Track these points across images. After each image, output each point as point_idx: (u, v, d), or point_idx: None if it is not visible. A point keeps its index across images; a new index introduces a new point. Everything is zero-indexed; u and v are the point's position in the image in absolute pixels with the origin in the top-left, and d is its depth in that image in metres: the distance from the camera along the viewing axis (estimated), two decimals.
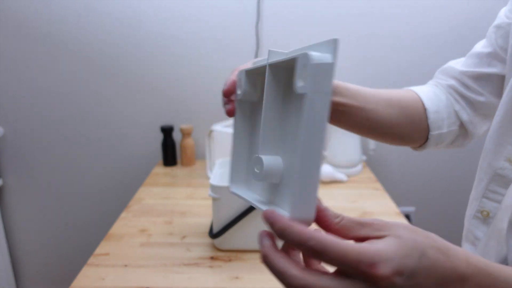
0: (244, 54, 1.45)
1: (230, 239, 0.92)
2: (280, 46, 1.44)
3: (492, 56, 0.56)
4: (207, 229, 1.02)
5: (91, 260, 0.89)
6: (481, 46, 0.59)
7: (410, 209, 1.62)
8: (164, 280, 0.82)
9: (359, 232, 0.32)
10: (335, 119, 0.54)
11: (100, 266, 0.87)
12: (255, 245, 0.92)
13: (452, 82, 0.60)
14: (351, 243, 0.30)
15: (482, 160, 0.54)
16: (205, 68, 1.47)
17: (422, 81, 0.68)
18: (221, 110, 1.51)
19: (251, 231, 0.91)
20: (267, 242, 0.33)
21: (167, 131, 1.46)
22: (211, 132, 1.30)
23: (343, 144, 1.40)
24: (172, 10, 1.40)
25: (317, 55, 0.32)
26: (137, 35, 1.43)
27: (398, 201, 1.52)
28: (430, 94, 0.60)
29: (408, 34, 1.41)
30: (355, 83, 0.55)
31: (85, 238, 1.68)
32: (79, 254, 1.70)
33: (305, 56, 0.32)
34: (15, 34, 1.41)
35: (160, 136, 1.51)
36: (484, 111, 0.59)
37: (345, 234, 0.33)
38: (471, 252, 0.35)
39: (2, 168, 1.57)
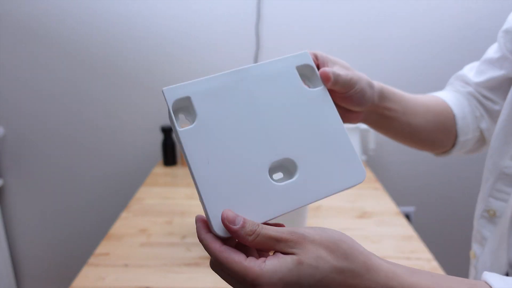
0: (244, 54, 1.45)
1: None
2: (280, 46, 1.44)
3: (502, 60, 0.57)
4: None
5: (91, 260, 0.89)
6: (492, 52, 0.60)
7: (410, 209, 1.62)
8: (164, 280, 0.82)
9: (274, 247, 0.33)
10: (383, 125, 0.55)
11: (100, 266, 0.87)
12: None
13: (471, 89, 0.61)
14: (242, 259, 0.32)
15: (488, 159, 0.54)
16: (205, 68, 1.47)
17: (427, 83, 0.67)
18: None
19: None
20: (199, 225, 0.36)
21: (167, 131, 1.46)
22: None
23: None
24: (172, 10, 1.40)
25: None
26: (137, 35, 1.43)
27: (398, 201, 1.52)
28: (455, 101, 0.61)
29: (409, 35, 1.41)
30: None
31: (85, 238, 1.68)
32: (79, 254, 1.70)
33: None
34: (15, 35, 1.41)
35: (160, 136, 1.51)
36: (493, 115, 0.59)
37: (262, 249, 0.34)
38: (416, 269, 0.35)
39: (3, 168, 1.58)
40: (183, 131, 0.40)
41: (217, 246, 0.34)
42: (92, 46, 1.44)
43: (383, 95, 0.52)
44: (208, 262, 0.88)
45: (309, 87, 0.42)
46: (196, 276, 0.83)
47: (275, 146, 0.38)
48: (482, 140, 0.63)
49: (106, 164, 1.58)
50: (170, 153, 1.48)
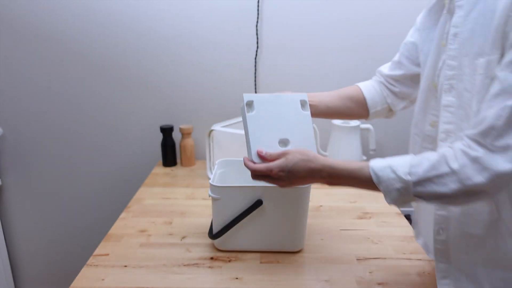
0: (244, 54, 1.45)
1: (230, 239, 0.91)
2: (280, 45, 1.44)
3: (400, 64, 0.89)
4: (207, 230, 1.02)
5: (91, 260, 0.89)
6: (396, 56, 0.91)
7: (410, 209, 1.61)
8: (163, 280, 0.82)
9: (278, 157, 0.74)
10: (313, 112, 0.88)
11: (99, 267, 0.86)
12: (255, 245, 0.92)
13: (382, 79, 0.94)
14: (264, 164, 0.75)
15: (414, 128, 0.81)
16: (205, 68, 1.47)
17: None
18: (221, 110, 1.51)
19: (250, 232, 0.90)
20: (245, 159, 0.78)
21: (166, 131, 1.46)
22: (211, 132, 1.30)
23: (343, 144, 1.40)
24: (172, 10, 1.40)
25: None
26: (136, 35, 1.43)
27: None
28: (368, 86, 0.96)
29: None
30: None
31: (84, 239, 1.68)
32: (79, 255, 1.70)
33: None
34: (15, 34, 1.41)
35: (160, 136, 1.51)
36: (399, 96, 0.92)
37: (273, 159, 0.75)
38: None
39: (1, 168, 1.57)
40: (249, 115, 0.80)
41: (253, 164, 0.76)
42: (92, 45, 1.43)
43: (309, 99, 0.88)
44: (207, 262, 0.88)
45: (303, 110, 0.84)
46: (196, 276, 0.83)
47: (283, 131, 0.81)
48: (391, 110, 0.95)
49: (105, 164, 1.58)
50: (170, 153, 1.48)
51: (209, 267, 0.87)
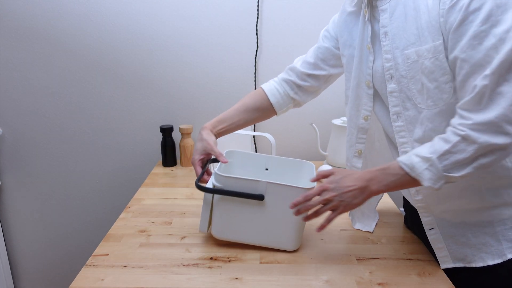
0: (244, 54, 1.45)
1: (229, 229, 0.91)
2: (280, 45, 1.44)
3: (315, 65, 0.99)
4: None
5: (90, 260, 0.89)
6: (309, 56, 1.00)
7: None
8: (163, 280, 0.82)
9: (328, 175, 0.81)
10: (227, 133, 1.03)
11: (99, 267, 0.86)
12: (252, 239, 0.92)
13: (293, 77, 1.01)
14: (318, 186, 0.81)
15: (349, 122, 0.94)
16: (204, 68, 1.47)
17: None
18: (221, 110, 1.51)
19: (249, 225, 0.90)
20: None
21: (166, 131, 1.46)
22: None
23: (343, 144, 1.40)
24: (172, 10, 1.40)
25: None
26: (136, 35, 1.43)
27: (398, 201, 1.52)
28: (274, 91, 1.02)
29: None
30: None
31: (84, 239, 1.68)
32: (78, 255, 1.70)
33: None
34: (15, 34, 1.41)
35: (159, 136, 1.51)
36: (308, 91, 1.02)
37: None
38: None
39: (1, 168, 1.57)
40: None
41: (307, 191, 0.84)
42: (92, 45, 1.43)
43: (214, 130, 1.00)
44: (207, 263, 0.88)
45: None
46: (196, 277, 0.83)
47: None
48: (298, 104, 1.05)
49: (105, 164, 1.58)
50: (170, 153, 1.48)
51: (209, 267, 0.86)
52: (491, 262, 0.78)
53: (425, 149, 0.70)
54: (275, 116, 1.04)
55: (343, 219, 1.08)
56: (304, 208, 0.80)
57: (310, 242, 0.97)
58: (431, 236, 0.84)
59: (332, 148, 1.42)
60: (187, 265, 0.87)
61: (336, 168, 0.82)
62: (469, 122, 0.65)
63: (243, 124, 1.02)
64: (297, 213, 0.81)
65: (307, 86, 1.00)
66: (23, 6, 1.38)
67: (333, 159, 1.42)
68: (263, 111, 1.02)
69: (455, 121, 0.68)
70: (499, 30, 0.61)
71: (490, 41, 0.62)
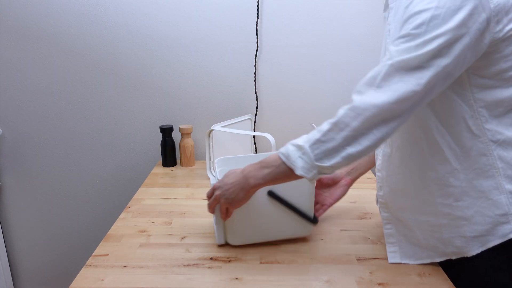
0: (244, 53, 1.45)
1: (245, 233, 0.92)
2: (280, 45, 1.44)
3: None
4: (207, 230, 1.02)
5: (90, 261, 0.89)
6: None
7: None
8: (163, 281, 0.82)
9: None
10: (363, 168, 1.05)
11: (99, 267, 0.86)
12: (269, 236, 0.94)
13: None
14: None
15: None
16: (204, 68, 1.47)
17: None
18: (221, 110, 1.51)
19: (264, 223, 0.92)
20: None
21: (166, 131, 1.46)
22: (210, 132, 1.30)
23: None
24: (172, 9, 1.40)
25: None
26: (136, 35, 1.42)
27: None
28: None
29: None
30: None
31: (84, 239, 1.68)
32: (78, 255, 1.70)
33: None
34: (15, 34, 1.41)
35: (159, 136, 1.51)
36: None
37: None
38: None
39: (1, 168, 1.57)
40: None
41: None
42: (92, 46, 1.43)
43: (350, 171, 1.03)
44: (207, 263, 0.88)
45: None
46: (196, 277, 0.83)
47: None
48: None
49: (105, 164, 1.58)
50: (170, 153, 1.48)
51: (209, 267, 0.86)
52: (437, 259, 0.83)
53: (301, 139, 0.72)
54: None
55: (342, 219, 1.08)
56: (208, 205, 0.88)
57: (310, 242, 0.97)
58: (386, 230, 0.89)
59: None
60: (187, 265, 0.87)
61: (233, 168, 0.85)
62: (352, 104, 0.68)
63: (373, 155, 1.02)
64: (209, 209, 0.88)
65: None
66: (23, 6, 1.38)
67: None
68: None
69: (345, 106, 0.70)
70: (422, 39, 0.64)
71: (410, 43, 0.64)
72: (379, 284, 0.81)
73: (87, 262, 0.88)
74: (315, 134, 0.71)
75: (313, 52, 1.44)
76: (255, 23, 1.41)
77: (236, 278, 0.83)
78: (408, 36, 0.64)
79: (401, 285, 0.80)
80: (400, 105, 0.65)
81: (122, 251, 0.92)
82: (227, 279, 0.82)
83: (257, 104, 1.50)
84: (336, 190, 1.03)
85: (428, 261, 0.84)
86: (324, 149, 0.70)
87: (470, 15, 0.61)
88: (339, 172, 1.02)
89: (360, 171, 1.04)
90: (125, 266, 0.87)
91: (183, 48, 1.44)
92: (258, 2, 1.38)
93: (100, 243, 0.96)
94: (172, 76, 1.48)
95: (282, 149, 0.75)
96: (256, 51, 1.44)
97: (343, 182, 1.03)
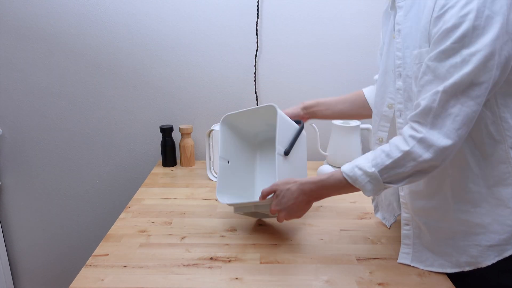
0: (244, 53, 1.45)
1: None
2: (280, 45, 1.44)
3: None
4: (207, 230, 1.02)
5: (90, 260, 0.89)
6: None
7: None
8: (163, 280, 0.82)
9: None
10: (318, 116, 1.11)
11: (99, 267, 0.86)
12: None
13: None
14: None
15: (374, 109, 0.94)
16: (204, 68, 1.47)
17: None
18: (221, 110, 1.51)
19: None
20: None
21: (166, 131, 1.46)
22: (211, 132, 1.30)
23: (343, 144, 1.40)
24: (172, 10, 1.40)
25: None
26: (136, 35, 1.42)
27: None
28: (369, 90, 1.07)
29: None
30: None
31: (84, 239, 1.68)
32: (78, 255, 1.70)
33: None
34: (15, 34, 1.41)
35: (159, 136, 1.51)
36: None
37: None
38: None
39: (1, 168, 1.57)
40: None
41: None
42: (92, 45, 1.43)
43: (306, 107, 1.10)
44: (207, 263, 0.88)
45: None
46: (196, 277, 0.83)
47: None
48: None
49: (105, 164, 1.58)
50: (170, 153, 1.48)
51: (209, 267, 0.86)
52: (449, 270, 0.82)
53: (367, 163, 0.74)
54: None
55: (342, 219, 1.08)
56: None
57: (310, 242, 0.97)
58: (404, 231, 0.88)
59: (332, 148, 1.42)
60: (187, 265, 0.87)
61: (276, 185, 0.88)
62: (419, 135, 0.69)
63: (337, 114, 1.09)
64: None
65: None
66: (23, 6, 1.38)
67: (333, 159, 1.42)
68: (358, 107, 1.07)
69: (406, 131, 0.71)
70: (466, 51, 0.63)
71: (455, 59, 0.65)
72: (379, 284, 0.81)
73: (87, 262, 0.88)
74: (384, 159, 0.72)
75: (313, 52, 1.44)
76: (255, 23, 1.41)
77: (236, 278, 0.83)
78: (451, 51, 0.64)
79: (401, 285, 0.80)
80: (465, 127, 0.66)
81: (122, 251, 0.92)
82: (227, 279, 0.82)
83: (257, 103, 1.50)
84: None
85: (439, 270, 0.83)
86: (394, 174, 0.72)
87: (508, 19, 0.62)
88: (301, 112, 1.10)
89: (317, 118, 1.12)
90: (125, 266, 0.87)
91: (183, 48, 1.44)
92: (258, 2, 1.38)
93: (100, 243, 0.96)
94: (172, 76, 1.48)
95: (347, 170, 0.77)
96: (256, 51, 1.44)
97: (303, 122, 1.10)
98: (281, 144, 0.94)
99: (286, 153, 0.95)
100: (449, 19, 0.64)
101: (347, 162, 1.37)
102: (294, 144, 0.99)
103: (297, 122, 1.06)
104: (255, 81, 1.48)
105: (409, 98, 0.78)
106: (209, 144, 1.32)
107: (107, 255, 0.91)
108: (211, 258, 0.90)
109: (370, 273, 0.84)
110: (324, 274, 0.84)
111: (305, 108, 1.10)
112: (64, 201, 1.63)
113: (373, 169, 0.73)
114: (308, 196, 0.84)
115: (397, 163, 0.71)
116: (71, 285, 0.80)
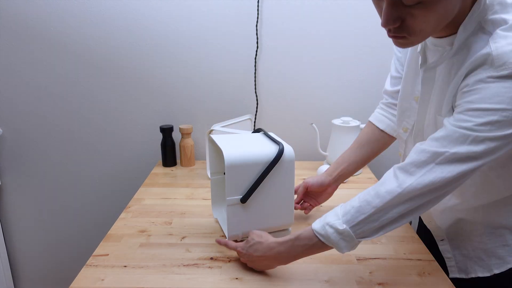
0: (244, 54, 1.45)
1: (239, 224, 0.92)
2: (280, 46, 1.44)
3: (401, 78, 0.90)
4: (207, 230, 1.02)
5: (91, 260, 0.89)
6: (393, 71, 0.96)
7: None
8: (163, 280, 0.82)
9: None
10: (349, 174, 1.05)
11: (99, 267, 0.86)
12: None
13: (389, 99, 1.01)
14: (234, 243, 0.88)
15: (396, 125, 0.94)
16: (204, 68, 1.47)
17: None
18: (221, 110, 1.51)
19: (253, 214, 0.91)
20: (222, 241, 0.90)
21: (166, 131, 1.46)
22: (210, 132, 1.30)
23: (343, 144, 1.39)
24: (172, 10, 1.40)
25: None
26: (136, 35, 1.42)
27: None
28: (381, 118, 1.02)
29: None
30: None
31: (84, 239, 1.68)
32: (78, 255, 1.70)
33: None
34: (15, 35, 1.41)
35: (159, 136, 1.51)
36: None
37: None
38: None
39: (1, 168, 1.57)
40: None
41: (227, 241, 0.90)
42: (92, 45, 1.43)
43: (331, 174, 1.03)
44: (207, 263, 0.88)
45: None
46: (196, 277, 0.83)
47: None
48: None
49: (105, 164, 1.58)
50: (170, 153, 1.48)
51: (209, 267, 0.86)
52: (480, 274, 0.83)
53: (337, 218, 0.72)
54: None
55: None
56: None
57: None
58: (441, 246, 0.89)
59: (332, 148, 1.42)
60: (187, 265, 0.87)
61: (252, 233, 0.84)
62: (396, 184, 0.67)
63: (362, 161, 1.02)
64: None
65: None
66: (23, 7, 1.38)
67: (333, 159, 1.42)
68: (378, 140, 1.02)
69: (388, 179, 0.69)
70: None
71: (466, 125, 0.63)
72: (379, 284, 0.81)
73: (87, 262, 0.88)
74: (355, 215, 0.70)
75: (313, 52, 1.44)
76: (255, 24, 1.41)
77: (236, 278, 0.83)
78: (470, 130, 0.62)
79: (401, 285, 0.80)
80: (448, 186, 0.65)
81: (122, 251, 0.92)
82: (227, 279, 0.82)
83: (257, 104, 1.50)
84: (322, 196, 1.06)
85: (473, 275, 0.84)
86: (367, 228, 0.69)
87: None
88: (326, 179, 1.02)
89: (346, 178, 1.05)
90: (125, 266, 0.87)
91: (183, 48, 1.44)
92: (258, 2, 1.38)
93: (100, 243, 0.96)
94: (172, 76, 1.48)
95: (318, 229, 0.74)
96: (256, 51, 1.44)
97: (329, 190, 1.04)
98: (233, 190, 0.85)
99: (243, 200, 0.86)
100: (479, 102, 0.62)
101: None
102: (257, 188, 0.87)
103: (278, 142, 0.93)
104: (255, 81, 1.48)
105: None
106: (209, 144, 1.32)
107: (107, 255, 0.91)
108: (211, 258, 0.90)
109: (370, 273, 0.84)
110: (324, 274, 0.84)
111: (329, 175, 1.02)
112: (64, 201, 1.63)
113: (344, 226, 0.70)
114: (273, 259, 0.81)
115: (370, 218, 0.69)
116: (71, 285, 0.80)
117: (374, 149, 1.03)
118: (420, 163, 0.65)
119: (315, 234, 0.74)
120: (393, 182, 0.67)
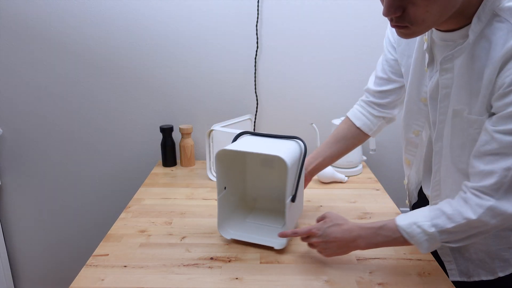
0: (244, 54, 1.45)
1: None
2: (280, 46, 1.44)
3: (388, 80, 0.96)
4: (207, 230, 1.02)
5: (91, 260, 0.89)
6: (379, 71, 0.98)
7: (407, 209, 1.61)
8: (163, 280, 0.82)
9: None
10: (322, 168, 1.06)
11: (99, 267, 0.86)
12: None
13: (371, 98, 1.01)
14: (305, 227, 0.87)
15: (401, 133, 0.94)
16: (204, 68, 1.47)
17: None
18: (221, 110, 1.51)
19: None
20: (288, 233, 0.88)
21: (166, 131, 1.46)
22: (210, 132, 1.30)
23: None
24: (172, 10, 1.40)
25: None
26: (136, 35, 1.42)
27: (398, 201, 1.52)
28: (358, 115, 1.03)
29: None
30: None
31: (84, 239, 1.68)
32: (78, 255, 1.70)
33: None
34: (15, 35, 1.41)
35: (159, 136, 1.51)
36: (391, 106, 1.00)
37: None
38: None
39: (1, 168, 1.57)
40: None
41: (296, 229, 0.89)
42: (92, 46, 1.43)
43: (313, 172, 1.05)
44: (207, 263, 0.88)
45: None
46: (196, 277, 0.83)
47: None
48: (389, 118, 1.02)
49: (105, 164, 1.58)
50: (170, 153, 1.48)
51: (209, 267, 0.86)
52: (484, 278, 0.82)
53: (427, 221, 0.71)
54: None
55: None
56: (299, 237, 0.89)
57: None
58: (440, 250, 0.87)
59: None
60: (187, 265, 0.87)
61: (329, 214, 0.86)
62: (488, 204, 0.66)
63: (336, 155, 1.04)
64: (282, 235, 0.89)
65: (387, 102, 0.99)
66: (23, 7, 1.38)
67: None
68: (353, 137, 1.03)
69: (471, 199, 0.68)
70: None
71: None
72: (379, 284, 0.81)
73: (87, 262, 0.88)
74: (445, 222, 0.70)
75: (313, 52, 1.44)
76: (255, 24, 1.41)
77: (236, 278, 0.83)
78: None
79: (401, 285, 0.80)
80: None
81: (122, 251, 0.92)
82: (227, 279, 0.82)
83: (257, 104, 1.50)
84: None
85: (476, 279, 0.83)
86: (453, 237, 0.71)
87: None
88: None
89: (319, 171, 1.07)
90: (125, 266, 0.87)
91: (183, 48, 1.44)
92: (258, 2, 1.38)
93: (100, 243, 0.96)
94: (172, 76, 1.48)
95: (405, 226, 0.73)
96: (256, 51, 1.44)
97: (305, 182, 1.05)
98: (288, 193, 0.90)
99: (293, 199, 0.91)
100: None
101: (347, 162, 1.38)
102: (299, 183, 0.94)
103: (292, 137, 0.98)
104: (255, 81, 1.48)
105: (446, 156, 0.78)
106: (209, 144, 1.32)
107: (107, 255, 0.91)
108: (211, 258, 0.90)
109: (370, 273, 0.84)
110: (324, 274, 0.84)
111: (305, 169, 1.03)
112: (64, 201, 1.63)
113: (432, 229, 0.71)
114: (351, 241, 0.80)
115: (459, 228, 0.69)
116: (71, 285, 0.80)
117: (349, 146, 1.04)
118: (496, 187, 0.66)
119: (398, 230, 0.74)
120: (487, 198, 0.67)
